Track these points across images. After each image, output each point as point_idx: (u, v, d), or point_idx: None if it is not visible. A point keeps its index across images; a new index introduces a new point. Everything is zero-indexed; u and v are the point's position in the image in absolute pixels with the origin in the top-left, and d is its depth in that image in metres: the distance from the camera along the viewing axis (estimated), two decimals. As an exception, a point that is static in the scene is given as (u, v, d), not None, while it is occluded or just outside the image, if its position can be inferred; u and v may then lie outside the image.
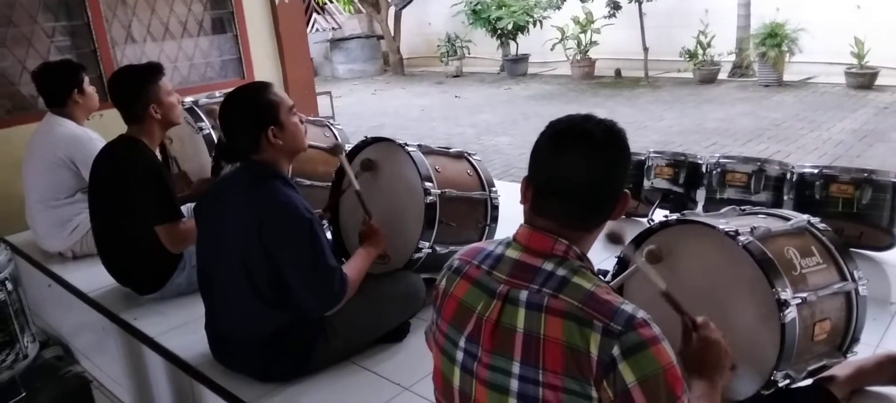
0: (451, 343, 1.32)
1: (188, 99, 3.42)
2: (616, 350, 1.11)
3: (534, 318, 1.19)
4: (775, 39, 9.36)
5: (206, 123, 3.18)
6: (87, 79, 3.31)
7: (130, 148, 2.63)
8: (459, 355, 1.30)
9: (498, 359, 1.23)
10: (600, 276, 1.27)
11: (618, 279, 1.76)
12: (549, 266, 1.23)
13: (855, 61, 9.16)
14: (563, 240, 1.25)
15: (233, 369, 2.15)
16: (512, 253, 1.29)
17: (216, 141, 3.16)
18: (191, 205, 2.75)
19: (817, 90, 9.32)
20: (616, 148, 1.27)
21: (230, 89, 2.15)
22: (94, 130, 3.28)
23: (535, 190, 1.29)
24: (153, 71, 2.69)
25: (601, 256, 2.18)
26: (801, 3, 9.54)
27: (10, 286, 2.38)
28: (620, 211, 1.30)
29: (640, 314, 1.15)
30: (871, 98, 8.52)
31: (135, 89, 2.62)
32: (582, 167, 1.24)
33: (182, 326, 2.50)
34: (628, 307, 1.16)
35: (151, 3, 4.69)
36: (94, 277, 2.92)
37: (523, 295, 1.22)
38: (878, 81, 9.04)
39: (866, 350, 1.86)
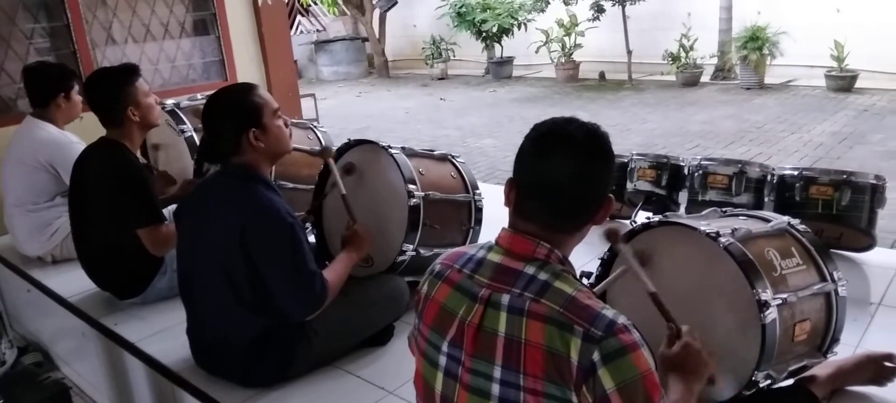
0: (434, 347, 1.31)
1: (170, 101, 3.39)
2: (596, 356, 1.11)
3: (515, 322, 1.19)
4: (756, 43, 9.46)
5: (187, 126, 3.15)
6: (76, 88, 3.26)
7: (111, 151, 2.60)
8: (442, 360, 1.29)
9: (480, 363, 1.23)
10: (583, 280, 1.28)
11: (605, 282, 1.75)
12: (530, 269, 1.23)
13: (835, 64, 9.28)
14: (544, 244, 1.25)
15: (215, 374, 2.13)
16: (494, 257, 1.30)
17: (199, 143, 3.14)
18: (173, 208, 2.73)
19: (798, 93, 9.43)
20: (599, 151, 1.27)
21: (212, 91, 2.13)
22: (75, 134, 3.24)
23: (519, 193, 1.29)
24: (129, 72, 2.65)
25: (589, 257, 2.19)
26: (782, 6, 9.65)
27: (-14, 292, 2.35)
28: (604, 214, 1.30)
29: (621, 319, 1.15)
30: (851, 101, 8.63)
31: (111, 92, 2.59)
32: (565, 170, 1.24)
33: (163, 331, 2.47)
34: (609, 312, 1.16)
35: (132, 4, 4.64)
36: (74, 282, 2.88)
37: (505, 298, 1.22)
38: (858, 84, 9.16)
39: (846, 350, 1.88)
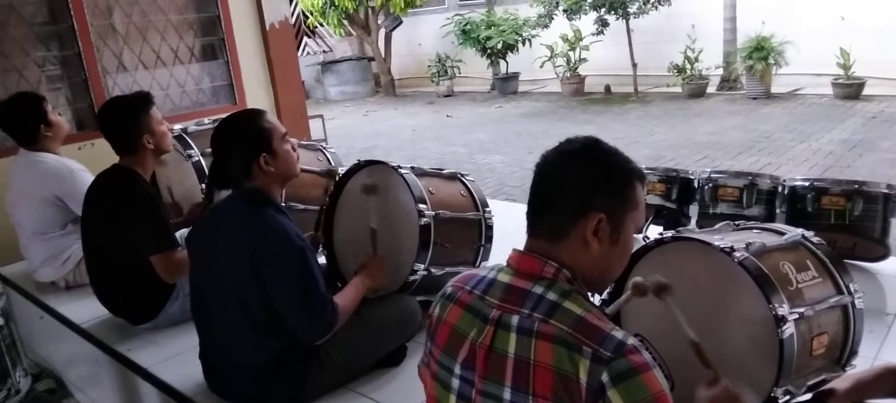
0: (446, 370, 1.31)
1: (177, 126, 3.41)
2: (605, 377, 1.11)
3: (524, 343, 1.19)
4: (762, 52, 9.45)
5: (194, 150, 3.16)
6: (49, 109, 3.22)
7: (124, 178, 2.62)
8: (455, 382, 1.29)
9: (490, 385, 1.22)
10: (595, 298, 1.27)
11: (616, 304, 1.72)
12: (538, 289, 1.23)
13: (841, 72, 9.26)
14: (552, 263, 1.25)
15: (228, 399, 2.12)
16: (503, 278, 1.30)
17: (209, 167, 3.15)
18: (183, 232, 2.74)
19: (805, 101, 9.40)
20: (586, 153, 1.29)
21: (221, 116, 2.15)
22: (86, 159, 3.26)
23: (528, 209, 1.31)
24: (143, 101, 2.67)
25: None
26: (787, 15, 9.65)
27: (1, 320, 2.36)
28: (593, 228, 1.24)
29: (631, 340, 1.14)
30: (859, 108, 8.60)
31: (126, 120, 2.61)
32: (557, 176, 1.28)
33: (176, 356, 2.47)
34: (618, 333, 1.15)
35: (143, 31, 4.70)
36: (87, 308, 2.89)
37: (515, 319, 1.22)
38: (866, 91, 9.12)
39: (864, 362, 1.86)
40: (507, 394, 1.19)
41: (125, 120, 2.61)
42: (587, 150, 1.29)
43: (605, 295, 1.82)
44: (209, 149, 2.11)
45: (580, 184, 1.26)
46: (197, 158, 3.14)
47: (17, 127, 3.19)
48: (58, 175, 3.11)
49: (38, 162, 3.15)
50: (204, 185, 3.08)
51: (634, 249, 1.80)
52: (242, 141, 2.02)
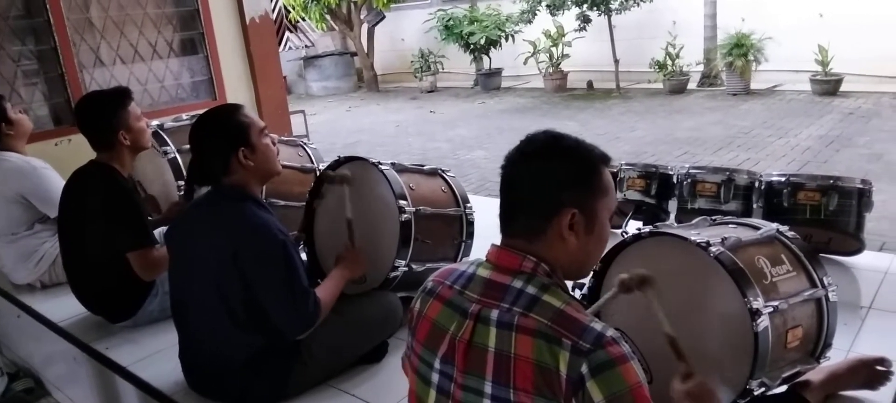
0: (426, 364, 1.32)
1: (154, 122, 3.37)
2: (584, 368, 1.12)
3: (504, 337, 1.19)
4: (741, 49, 9.55)
5: (170, 147, 3.12)
6: (9, 107, 3.19)
7: (101, 174, 2.59)
8: (435, 376, 1.30)
9: (471, 379, 1.23)
10: (576, 291, 1.28)
11: (597, 304, 1.73)
12: (518, 283, 1.24)
13: (819, 68, 9.38)
14: (530, 257, 1.26)
15: (209, 397, 2.11)
16: (483, 272, 1.30)
17: (188, 164, 3.11)
18: (162, 230, 2.72)
19: (784, 97, 9.51)
20: (553, 149, 1.29)
21: (200, 111, 2.13)
22: (63, 155, 3.22)
23: (500, 209, 1.32)
24: (121, 96, 2.64)
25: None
26: (766, 12, 9.76)
27: (-24, 319, 2.32)
28: (585, 218, 1.26)
29: (610, 332, 1.15)
30: (837, 104, 8.72)
31: (103, 116, 2.57)
32: (524, 179, 1.28)
33: (155, 354, 2.46)
34: (598, 325, 1.16)
35: (120, 25, 4.64)
36: (65, 306, 2.85)
37: (494, 314, 1.22)
38: (843, 88, 9.25)
39: (838, 354, 1.89)
40: (488, 388, 1.20)
41: (102, 115, 2.58)
42: (549, 148, 1.29)
43: (584, 291, 1.84)
44: (186, 146, 2.09)
45: (547, 183, 1.26)
46: (173, 155, 3.09)
47: None
48: (20, 172, 3.06)
49: (1, 160, 3.10)
50: (181, 183, 3.04)
51: (613, 244, 1.82)
52: (220, 136, 2.00)
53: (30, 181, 3.03)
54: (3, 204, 3.06)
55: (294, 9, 14.30)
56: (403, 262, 2.35)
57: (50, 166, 3.11)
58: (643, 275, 1.38)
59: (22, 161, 3.12)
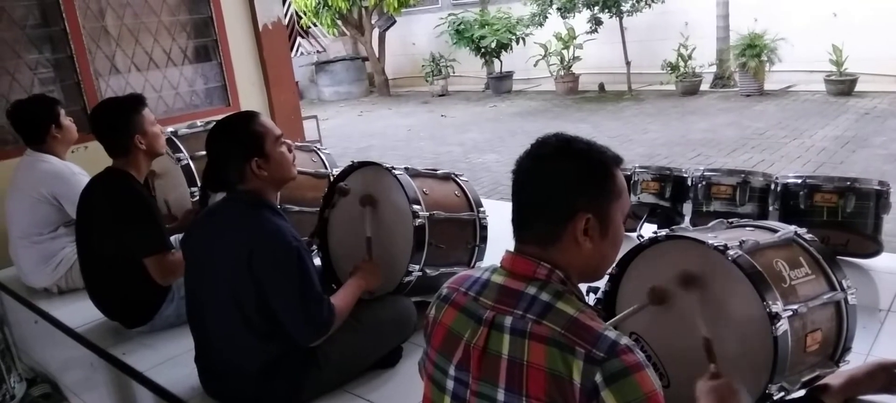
0: (441, 371, 1.31)
1: (168, 129, 3.40)
2: (598, 377, 1.11)
3: (517, 344, 1.19)
4: (755, 50, 9.50)
5: (184, 154, 3.14)
6: (62, 113, 3.28)
7: (118, 180, 2.61)
8: (450, 383, 1.29)
9: (484, 386, 1.22)
10: (590, 295, 1.27)
11: (618, 317, 1.72)
12: (531, 290, 1.23)
13: (834, 68, 9.30)
14: (544, 264, 1.25)
15: (224, 401, 2.12)
16: (497, 279, 1.30)
17: (203, 170, 3.13)
18: (178, 236, 2.73)
19: (798, 98, 9.44)
20: (564, 152, 1.27)
21: (215, 118, 2.14)
22: (80, 162, 3.25)
23: (513, 216, 1.31)
24: (136, 102, 2.68)
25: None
26: (779, 12, 9.69)
27: (-5, 325, 2.35)
28: (597, 223, 1.24)
29: (624, 340, 1.14)
30: (852, 104, 8.64)
31: (118, 122, 2.60)
32: (537, 184, 1.27)
33: (171, 359, 2.47)
34: (611, 333, 1.15)
35: (135, 33, 4.68)
36: (81, 312, 2.88)
37: (508, 320, 1.22)
38: (858, 87, 9.17)
39: (857, 358, 1.87)
40: (501, 395, 1.20)
41: (117, 121, 2.61)
42: (561, 152, 1.27)
43: (599, 295, 1.83)
44: (199, 152, 2.10)
45: (561, 188, 1.25)
46: (186, 162, 3.12)
47: (28, 124, 3.23)
48: (57, 174, 3.13)
49: (41, 161, 3.18)
50: (195, 189, 3.07)
51: (629, 248, 1.81)
52: (234, 145, 2.01)
53: (67, 185, 3.09)
54: (32, 204, 3.12)
55: (306, 14, 14.38)
56: (417, 267, 2.35)
57: (87, 174, 3.16)
58: (691, 273, 1.38)
59: (61, 165, 3.20)
